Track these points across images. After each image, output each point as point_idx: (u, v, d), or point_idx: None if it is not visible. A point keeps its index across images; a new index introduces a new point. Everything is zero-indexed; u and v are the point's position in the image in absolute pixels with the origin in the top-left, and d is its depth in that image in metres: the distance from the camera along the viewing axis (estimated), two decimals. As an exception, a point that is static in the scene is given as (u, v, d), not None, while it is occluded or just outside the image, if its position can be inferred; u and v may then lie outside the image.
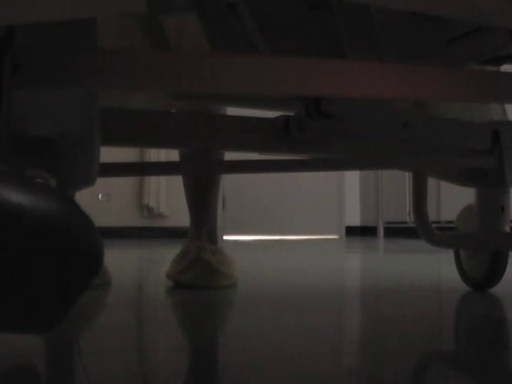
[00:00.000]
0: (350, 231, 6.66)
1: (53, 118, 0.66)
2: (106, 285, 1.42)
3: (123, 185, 5.85)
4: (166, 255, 2.92)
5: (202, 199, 1.51)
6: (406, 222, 5.58)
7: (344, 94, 0.67)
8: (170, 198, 5.97)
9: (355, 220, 6.78)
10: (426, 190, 1.29)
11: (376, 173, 6.24)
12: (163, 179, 5.96)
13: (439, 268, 1.95)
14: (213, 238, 1.50)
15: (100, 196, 5.74)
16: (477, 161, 1.14)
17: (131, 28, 1.20)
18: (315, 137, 1.02)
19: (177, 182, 6.11)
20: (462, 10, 0.57)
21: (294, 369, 0.62)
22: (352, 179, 6.77)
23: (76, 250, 0.46)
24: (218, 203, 1.55)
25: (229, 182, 6.41)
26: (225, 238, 6.32)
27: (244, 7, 0.87)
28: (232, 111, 1.36)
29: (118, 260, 2.43)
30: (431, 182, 4.53)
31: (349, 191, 6.74)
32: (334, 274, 1.74)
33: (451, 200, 4.59)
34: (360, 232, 6.74)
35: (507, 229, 1.22)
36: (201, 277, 1.32)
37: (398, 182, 5.70)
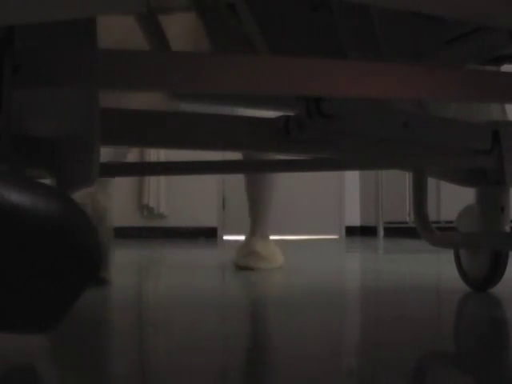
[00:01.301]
0: (350, 231, 6.66)
1: (53, 118, 0.66)
2: (106, 285, 1.42)
3: (123, 185, 5.85)
4: (166, 255, 2.92)
5: (256, 206, 2.11)
6: (405, 222, 5.58)
7: (344, 94, 0.67)
8: (169, 198, 5.98)
9: (355, 220, 6.79)
10: (425, 190, 1.29)
11: (376, 173, 6.24)
12: (163, 179, 5.96)
13: (439, 268, 1.95)
14: (264, 234, 2.09)
15: (100, 196, 5.73)
16: (477, 161, 1.14)
17: (131, 28, 1.20)
18: (315, 137, 1.01)
19: (177, 182, 6.13)
20: (462, 10, 0.57)
21: (294, 369, 0.62)
22: (352, 179, 6.77)
23: (75, 249, 0.46)
24: (269, 207, 2.12)
25: (229, 182, 6.41)
26: (225, 238, 6.32)
27: (244, 7, 0.87)
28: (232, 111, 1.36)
29: (118, 260, 2.43)
30: (431, 182, 4.53)
31: (349, 191, 6.74)
32: (333, 274, 1.74)
33: (451, 200, 4.59)
34: (360, 232, 6.74)
35: (507, 229, 1.22)
36: (253, 263, 1.93)
37: (397, 182, 5.70)
